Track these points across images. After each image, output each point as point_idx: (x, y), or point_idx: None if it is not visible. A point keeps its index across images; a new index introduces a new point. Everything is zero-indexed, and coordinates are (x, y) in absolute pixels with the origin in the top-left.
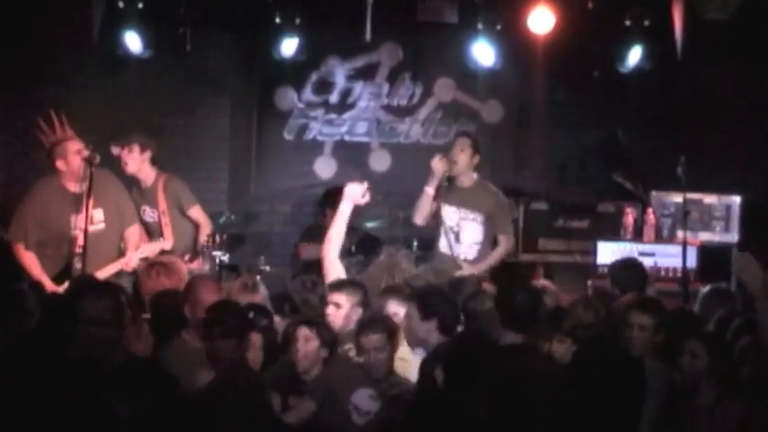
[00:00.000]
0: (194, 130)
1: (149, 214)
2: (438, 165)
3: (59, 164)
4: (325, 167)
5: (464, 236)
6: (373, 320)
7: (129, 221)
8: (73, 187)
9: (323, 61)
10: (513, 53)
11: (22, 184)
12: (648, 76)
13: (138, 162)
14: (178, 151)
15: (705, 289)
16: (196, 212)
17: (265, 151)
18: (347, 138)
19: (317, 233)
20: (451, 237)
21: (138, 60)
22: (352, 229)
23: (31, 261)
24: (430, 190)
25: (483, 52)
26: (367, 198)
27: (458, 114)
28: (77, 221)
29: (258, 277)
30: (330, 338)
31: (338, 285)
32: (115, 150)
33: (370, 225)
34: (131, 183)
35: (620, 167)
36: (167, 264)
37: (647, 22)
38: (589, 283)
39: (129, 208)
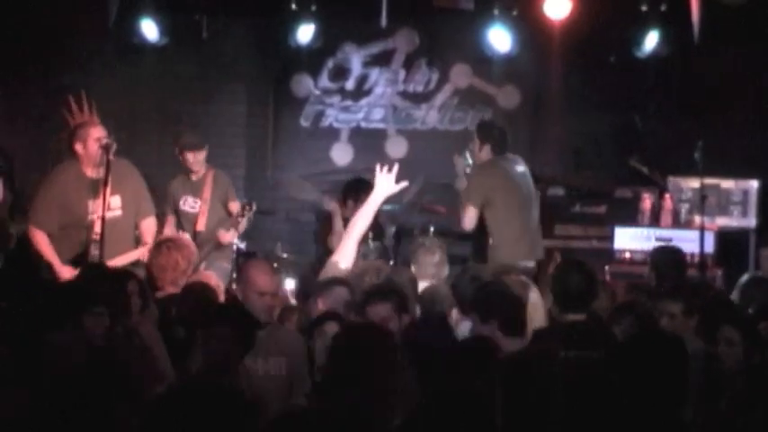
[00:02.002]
0: (210, 117)
1: (191, 204)
2: (460, 163)
3: (78, 147)
4: (341, 154)
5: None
6: (380, 289)
7: (146, 212)
8: (90, 173)
9: (339, 48)
10: (529, 39)
11: (39, 171)
12: (665, 61)
13: (203, 161)
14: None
15: (744, 277)
16: (234, 206)
17: (282, 138)
18: (363, 124)
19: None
20: None
21: (154, 48)
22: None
23: (46, 246)
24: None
25: (499, 38)
26: (401, 185)
27: (474, 100)
28: (95, 207)
29: (275, 265)
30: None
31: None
32: (193, 155)
33: (387, 209)
34: (168, 174)
35: (637, 153)
36: (175, 239)
37: (663, 7)
38: (606, 268)
39: (145, 199)
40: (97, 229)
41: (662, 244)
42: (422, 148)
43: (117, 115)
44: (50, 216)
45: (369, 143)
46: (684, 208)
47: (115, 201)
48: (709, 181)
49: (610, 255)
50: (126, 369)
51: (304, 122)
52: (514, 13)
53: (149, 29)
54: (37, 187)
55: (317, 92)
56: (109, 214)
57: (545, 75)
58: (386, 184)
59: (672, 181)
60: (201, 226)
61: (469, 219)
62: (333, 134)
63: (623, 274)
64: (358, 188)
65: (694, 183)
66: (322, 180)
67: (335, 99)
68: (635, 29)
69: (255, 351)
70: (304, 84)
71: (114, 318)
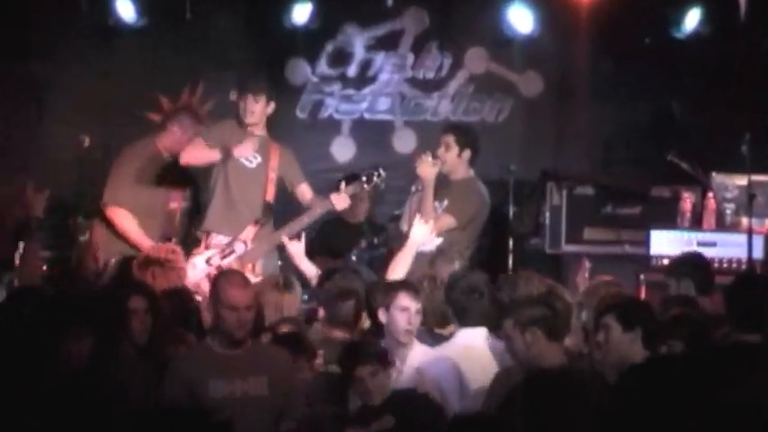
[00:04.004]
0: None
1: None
2: (424, 169)
3: (174, 126)
4: (342, 149)
5: None
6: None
7: None
8: (168, 156)
9: (339, 29)
10: (553, 18)
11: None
12: (707, 43)
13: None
14: None
15: None
16: (305, 190)
17: (276, 131)
18: (367, 115)
19: (330, 229)
20: None
21: (131, 30)
22: (374, 222)
23: (128, 223)
24: (413, 189)
25: (520, 18)
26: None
27: (491, 88)
28: (173, 194)
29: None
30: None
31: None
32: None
33: (397, 213)
34: None
35: (676, 146)
36: (164, 261)
37: None
38: (642, 277)
39: None
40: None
41: (689, 250)
42: (433, 142)
43: (89, 107)
44: (120, 191)
45: (373, 137)
46: (730, 208)
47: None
48: (758, 178)
49: (645, 262)
50: (106, 398)
51: (300, 114)
52: None
53: (126, 9)
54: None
55: (315, 79)
56: (183, 204)
57: (571, 59)
58: (421, 232)
59: (715, 178)
60: (271, 194)
61: (439, 228)
62: (333, 127)
63: (660, 283)
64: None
65: (741, 180)
66: (320, 179)
67: (336, 87)
68: (673, 6)
69: (231, 372)
70: (300, 70)
71: (104, 339)
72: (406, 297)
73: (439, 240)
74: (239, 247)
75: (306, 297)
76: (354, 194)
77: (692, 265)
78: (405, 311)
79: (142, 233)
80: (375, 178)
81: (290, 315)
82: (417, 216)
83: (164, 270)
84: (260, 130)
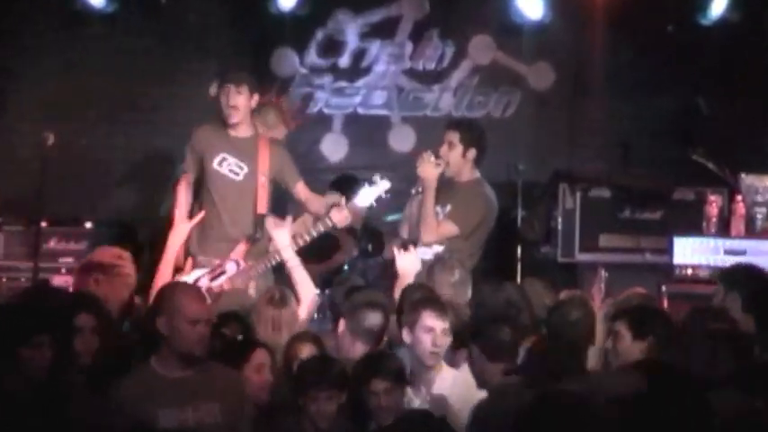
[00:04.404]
0: (173, 102)
1: (232, 166)
2: (425, 169)
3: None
4: (334, 147)
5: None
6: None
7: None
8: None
9: (330, 16)
10: (566, 3)
11: None
12: (736, 29)
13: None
14: (154, 127)
15: None
16: (302, 190)
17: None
18: (361, 110)
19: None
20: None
21: (102, 17)
22: (368, 226)
23: (183, 198)
24: (413, 191)
25: (529, 3)
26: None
27: (498, 80)
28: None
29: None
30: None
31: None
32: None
33: (390, 219)
34: (119, 174)
35: (701, 144)
36: (108, 266)
37: None
38: (663, 288)
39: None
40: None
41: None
42: (433, 139)
43: (56, 100)
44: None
45: (368, 134)
46: (761, 213)
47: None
48: None
49: (667, 271)
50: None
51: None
52: None
53: None
54: None
55: (304, 70)
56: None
57: (586, 48)
58: (406, 262)
59: (745, 179)
60: (264, 206)
61: (440, 236)
62: (323, 123)
63: (684, 294)
64: (344, 188)
65: None
66: (309, 180)
67: (327, 79)
68: None
69: (182, 398)
70: (288, 60)
71: (64, 350)
72: (431, 316)
73: (439, 248)
74: (230, 267)
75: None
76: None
77: (745, 276)
78: (430, 332)
79: (184, 214)
80: (383, 194)
81: (290, 331)
82: (395, 247)
83: (108, 277)
84: (246, 130)
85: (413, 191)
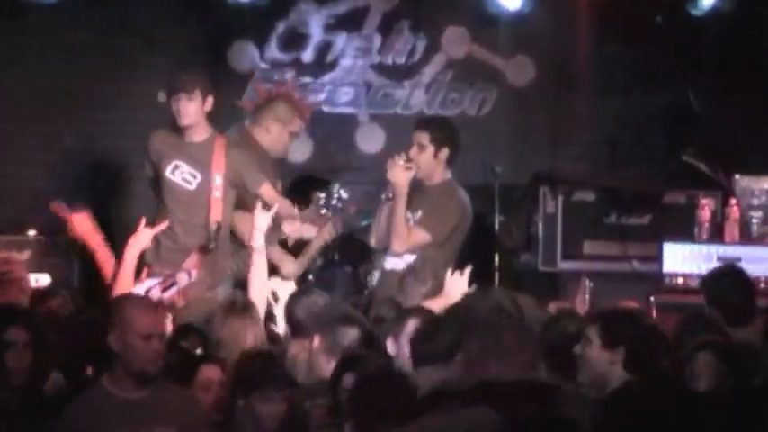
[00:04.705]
0: (121, 100)
1: (185, 175)
2: (395, 174)
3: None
4: (297, 148)
5: None
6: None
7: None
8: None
9: (292, 7)
10: None
11: None
12: (729, 21)
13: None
14: (102, 128)
15: None
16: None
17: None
18: (326, 108)
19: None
20: None
21: (42, 8)
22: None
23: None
24: (383, 197)
25: None
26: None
27: (474, 76)
28: None
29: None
30: None
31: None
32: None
33: (365, 224)
34: (58, 176)
35: (693, 144)
36: None
37: None
38: (652, 298)
39: None
40: None
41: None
42: (404, 139)
43: None
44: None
45: (333, 133)
46: (757, 217)
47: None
48: None
49: (656, 280)
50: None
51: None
52: None
53: None
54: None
55: (265, 65)
56: None
57: (569, 40)
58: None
59: (740, 181)
60: (218, 215)
61: (411, 245)
62: None
63: (674, 305)
64: (307, 191)
65: None
66: None
67: (289, 75)
68: None
69: (136, 421)
70: (247, 55)
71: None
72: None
73: (411, 258)
74: (182, 278)
75: None
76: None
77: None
78: None
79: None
80: (334, 200)
81: (254, 340)
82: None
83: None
84: (201, 134)
85: (383, 196)
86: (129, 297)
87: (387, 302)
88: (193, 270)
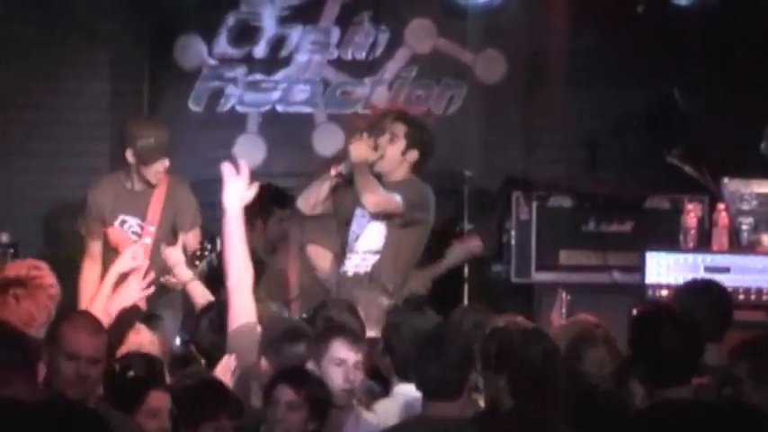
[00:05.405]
0: (58, 98)
1: (133, 227)
2: (358, 149)
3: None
4: (249, 150)
5: (360, 243)
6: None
7: None
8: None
9: None
10: None
11: None
12: (716, 12)
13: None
14: (37, 129)
15: None
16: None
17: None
18: (281, 108)
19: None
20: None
21: None
22: None
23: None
24: (333, 172)
25: None
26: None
27: (440, 71)
28: None
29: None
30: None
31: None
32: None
33: None
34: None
35: (678, 144)
36: (26, 279)
37: None
38: (634, 311)
39: None
40: None
41: (693, 279)
42: None
43: None
44: None
45: (289, 134)
46: (746, 224)
47: None
48: None
49: (638, 293)
50: None
51: (194, 106)
52: None
53: None
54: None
55: (213, 61)
56: None
57: (543, 33)
58: (237, 190)
59: (728, 185)
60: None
61: (385, 199)
62: (237, 122)
63: None
64: (261, 198)
65: (761, 187)
66: (219, 190)
67: (239, 72)
68: None
69: None
70: (194, 50)
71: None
72: (342, 346)
73: (367, 267)
74: None
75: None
76: None
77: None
78: (341, 365)
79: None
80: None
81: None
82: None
83: (28, 290)
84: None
85: (331, 171)
86: (71, 314)
87: (340, 304)
88: None
